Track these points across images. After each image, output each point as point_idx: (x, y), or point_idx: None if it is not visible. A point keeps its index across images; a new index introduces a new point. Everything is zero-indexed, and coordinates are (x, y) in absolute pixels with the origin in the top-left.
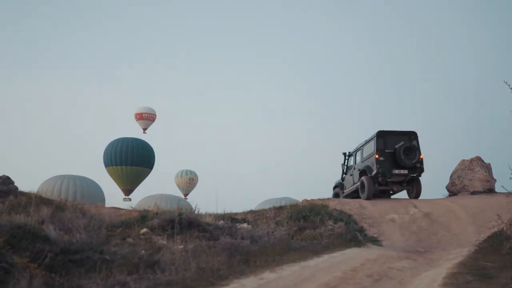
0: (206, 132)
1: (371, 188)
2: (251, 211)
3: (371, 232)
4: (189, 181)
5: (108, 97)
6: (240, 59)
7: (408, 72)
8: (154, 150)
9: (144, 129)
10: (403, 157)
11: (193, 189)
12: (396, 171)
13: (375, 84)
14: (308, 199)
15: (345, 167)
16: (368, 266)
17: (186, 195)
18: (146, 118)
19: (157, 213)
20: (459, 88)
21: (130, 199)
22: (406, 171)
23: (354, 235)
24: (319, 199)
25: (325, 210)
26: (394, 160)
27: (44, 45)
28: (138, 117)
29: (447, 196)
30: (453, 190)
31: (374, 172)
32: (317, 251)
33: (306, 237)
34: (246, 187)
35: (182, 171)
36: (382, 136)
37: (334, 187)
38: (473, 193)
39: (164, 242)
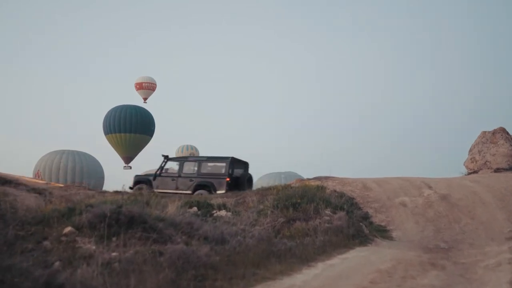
0: (208, 104)
1: None
2: (236, 193)
3: (377, 219)
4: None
5: (107, 67)
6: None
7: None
8: (155, 121)
9: (145, 99)
10: (245, 185)
11: None
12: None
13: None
14: (310, 177)
15: (162, 168)
16: (381, 286)
17: None
18: (146, 88)
19: (89, 205)
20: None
21: (130, 167)
22: None
23: (357, 227)
24: (320, 178)
25: (322, 195)
26: (236, 184)
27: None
28: (138, 86)
29: (466, 174)
30: (473, 167)
31: (221, 191)
32: (308, 257)
33: (295, 232)
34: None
35: (183, 146)
36: (232, 162)
37: (137, 182)
38: (497, 170)
39: (93, 247)
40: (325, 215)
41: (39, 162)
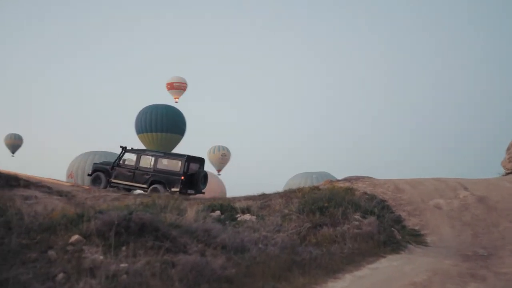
0: (240, 104)
1: None
2: (263, 195)
3: (411, 223)
4: (221, 157)
5: (139, 67)
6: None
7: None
8: (186, 120)
9: (176, 99)
10: (200, 182)
11: (226, 164)
12: (189, 191)
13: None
14: (342, 178)
15: (120, 159)
16: None
17: (219, 170)
18: (177, 88)
19: (99, 212)
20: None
21: None
22: (194, 191)
23: (389, 233)
24: (350, 179)
25: (351, 199)
26: (191, 182)
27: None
28: (169, 86)
29: (503, 175)
30: (511, 167)
31: (175, 189)
32: (335, 268)
33: (322, 239)
34: (283, 159)
35: (215, 146)
36: (188, 160)
37: (95, 170)
38: None
39: (100, 258)
40: (354, 220)
41: (72, 163)
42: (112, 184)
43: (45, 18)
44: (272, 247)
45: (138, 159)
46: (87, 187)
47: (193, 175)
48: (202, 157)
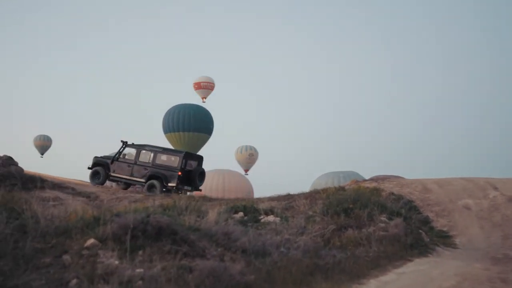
0: (267, 104)
1: (161, 192)
2: (287, 195)
3: (439, 224)
4: (249, 157)
5: (166, 66)
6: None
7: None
8: (214, 120)
9: (203, 98)
10: (197, 179)
11: (253, 164)
12: (186, 187)
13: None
14: (370, 177)
15: (120, 153)
16: None
17: (246, 170)
18: (205, 87)
19: (115, 214)
20: None
21: None
22: (190, 188)
23: (416, 235)
24: (377, 179)
25: (377, 200)
26: (188, 178)
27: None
28: (196, 86)
29: None
30: None
31: (172, 184)
32: (359, 272)
33: (347, 242)
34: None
35: (242, 146)
36: (186, 157)
37: (96, 163)
38: None
39: (116, 262)
40: (380, 222)
41: None
42: (111, 178)
43: (79, 20)
44: (295, 250)
45: (137, 154)
46: (114, 188)
47: (190, 172)
48: (201, 155)
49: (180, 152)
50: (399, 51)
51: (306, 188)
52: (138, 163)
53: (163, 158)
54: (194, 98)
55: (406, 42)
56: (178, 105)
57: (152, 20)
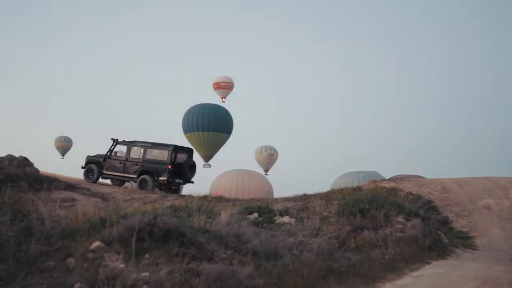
0: (287, 104)
1: (153, 186)
2: (304, 195)
3: (458, 224)
4: (268, 157)
5: (185, 66)
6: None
7: None
8: (234, 120)
9: (223, 98)
10: (188, 172)
11: (273, 164)
12: (177, 180)
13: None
14: (391, 177)
15: (111, 151)
16: None
17: (266, 170)
18: (224, 87)
19: (122, 216)
20: None
21: (210, 165)
22: (182, 181)
23: (435, 236)
24: (395, 179)
25: (394, 200)
26: (178, 171)
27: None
28: (216, 86)
29: None
30: None
31: (162, 178)
32: (374, 276)
33: (362, 243)
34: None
35: (262, 147)
36: (175, 150)
37: (89, 162)
38: None
39: (121, 266)
40: (397, 223)
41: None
42: (104, 176)
43: (99, 20)
44: (308, 253)
45: (128, 151)
46: (132, 188)
47: (180, 165)
48: (191, 147)
49: (169, 145)
50: (420, 48)
51: (326, 188)
52: (129, 159)
53: (153, 153)
54: (213, 98)
55: (427, 39)
56: (198, 104)
57: (172, 20)
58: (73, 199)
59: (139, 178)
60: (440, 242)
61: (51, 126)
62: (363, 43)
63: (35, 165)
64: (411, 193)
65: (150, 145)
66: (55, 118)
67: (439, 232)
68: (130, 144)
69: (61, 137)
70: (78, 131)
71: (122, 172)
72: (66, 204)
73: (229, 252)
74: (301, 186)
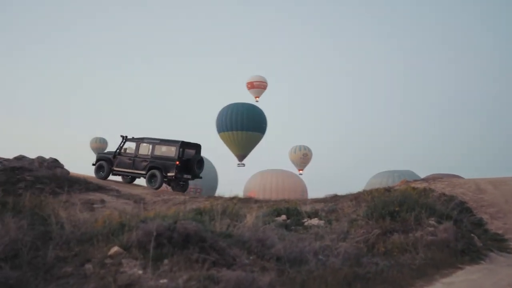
0: (320, 102)
1: (162, 182)
2: (334, 196)
3: (493, 226)
4: (303, 157)
5: (218, 66)
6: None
7: None
8: (267, 119)
9: (256, 98)
10: (195, 167)
11: (307, 164)
12: (185, 176)
13: None
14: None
15: (121, 148)
16: None
17: (301, 170)
18: (258, 87)
19: (141, 220)
20: None
21: (244, 165)
22: (190, 176)
23: (468, 240)
24: (428, 179)
25: (425, 202)
26: (186, 167)
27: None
28: (249, 86)
29: None
30: None
31: (171, 174)
32: (402, 283)
33: (392, 248)
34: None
35: (296, 146)
36: (183, 146)
37: (99, 159)
38: None
39: (139, 272)
40: (428, 226)
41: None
42: (114, 172)
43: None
44: (334, 258)
45: (137, 147)
46: (166, 189)
47: (188, 160)
48: (199, 143)
49: (177, 142)
50: (460, 50)
51: (360, 187)
52: (138, 156)
53: (161, 149)
54: (247, 98)
55: (470, 41)
56: (232, 104)
57: (206, 20)
58: (102, 201)
59: (148, 173)
60: (474, 245)
61: (88, 127)
62: (403, 42)
63: (67, 167)
64: (444, 194)
65: (158, 141)
66: (92, 119)
67: (472, 235)
68: (139, 141)
69: (97, 138)
70: (113, 132)
71: (131, 169)
72: (95, 206)
73: (251, 258)
74: (335, 186)
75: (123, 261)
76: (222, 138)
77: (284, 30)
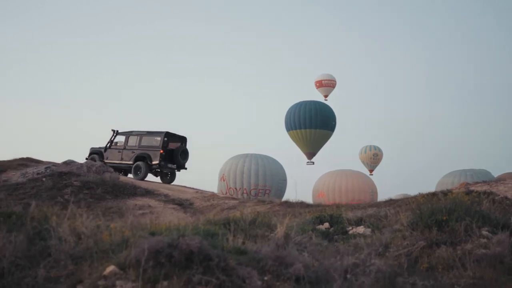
0: (390, 100)
1: (147, 172)
2: (390, 200)
3: None
4: (373, 157)
5: (286, 65)
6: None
7: None
8: (337, 118)
9: (325, 96)
10: (180, 158)
11: (378, 164)
12: (169, 165)
13: None
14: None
15: (111, 141)
16: None
17: (371, 171)
18: (326, 85)
19: (150, 233)
20: None
21: (313, 163)
22: (174, 166)
23: None
24: (489, 182)
25: (477, 209)
26: (171, 157)
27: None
28: (318, 84)
29: None
30: None
31: (155, 162)
32: None
33: (436, 263)
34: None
35: (366, 146)
36: (167, 136)
37: (92, 153)
38: None
39: None
40: (481, 237)
41: (224, 166)
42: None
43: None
44: (365, 277)
45: (126, 140)
46: (224, 194)
47: (172, 151)
48: (185, 136)
49: (161, 132)
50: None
51: (431, 187)
52: (126, 147)
53: (148, 140)
54: (315, 97)
55: None
56: (300, 102)
57: (274, 20)
58: (149, 206)
59: (134, 164)
60: None
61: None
62: (475, 41)
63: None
64: (506, 198)
65: (145, 133)
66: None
67: None
68: (128, 134)
69: None
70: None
71: (120, 160)
72: (141, 211)
73: (266, 278)
74: (406, 186)
75: (117, 282)
76: (291, 136)
77: (354, 27)
